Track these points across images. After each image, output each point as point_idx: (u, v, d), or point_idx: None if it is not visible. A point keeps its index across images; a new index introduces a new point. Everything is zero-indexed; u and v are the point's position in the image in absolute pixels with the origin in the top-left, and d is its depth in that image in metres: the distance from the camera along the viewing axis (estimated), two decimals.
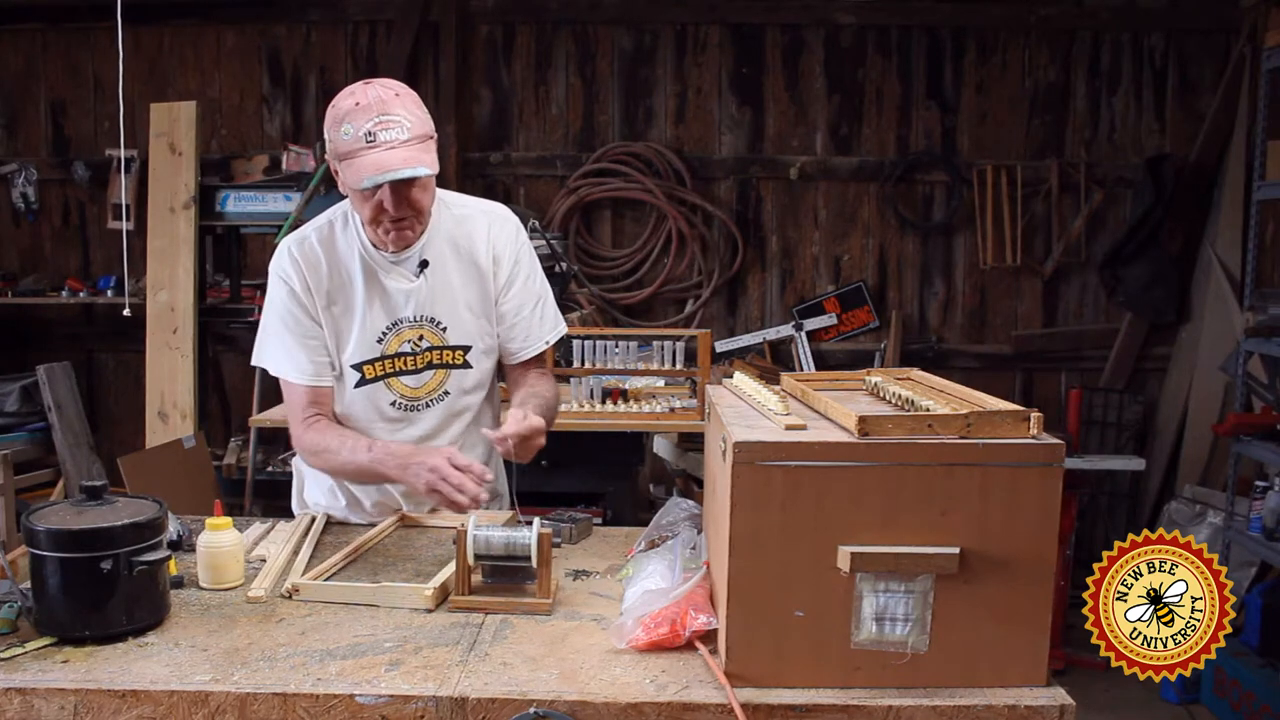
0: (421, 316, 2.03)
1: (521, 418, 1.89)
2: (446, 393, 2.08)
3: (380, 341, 2.03)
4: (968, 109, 5.05)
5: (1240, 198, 4.64)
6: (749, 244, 5.14)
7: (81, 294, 4.95)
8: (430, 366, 2.06)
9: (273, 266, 2.04)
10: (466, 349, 2.07)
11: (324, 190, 4.32)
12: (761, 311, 5.21)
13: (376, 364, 2.03)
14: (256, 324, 2.15)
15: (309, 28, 5.15)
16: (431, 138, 1.89)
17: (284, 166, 4.57)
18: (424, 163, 1.84)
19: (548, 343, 2.18)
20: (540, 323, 2.15)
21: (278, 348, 2.03)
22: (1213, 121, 4.84)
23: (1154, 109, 5.02)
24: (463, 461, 1.84)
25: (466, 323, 2.06)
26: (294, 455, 2.23)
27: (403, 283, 2.01)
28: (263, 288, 4.86)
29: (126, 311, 3.55)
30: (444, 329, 2.05)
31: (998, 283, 5.12)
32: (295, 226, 4.20)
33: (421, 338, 2.04)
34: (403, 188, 1.86)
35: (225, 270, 4.81)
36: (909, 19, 5.01)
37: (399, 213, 1.88)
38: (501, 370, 2.21)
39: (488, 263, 2.07)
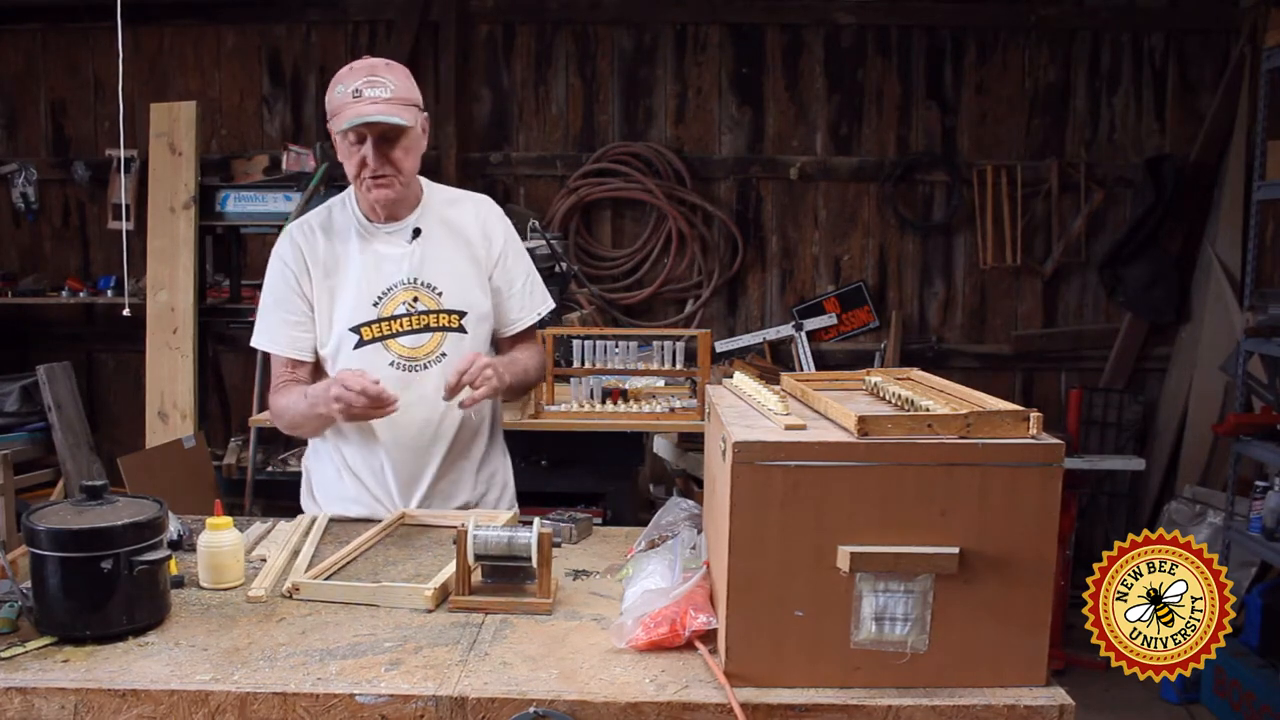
0: (415, 279, 2.13)
1: (469, 357, 2.02)
2: (444, 354, 2.15)
3: (376, 305, 2.12)
4: (968, 109, 5.05)
5: (1240, 198, 4.64)
6: (749, 244, 5.14)
7: (81, 294, 4.95)
8: (427, 329, 2.14)
9: (274, 250, 2.18)
10: (462, 314, 2.16)
11: (324, 190, 4.32)
12: (761, 311, 5.21)
13: (373, 326, 2.12)
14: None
15: (309, 28, 5.15)
16: (415, 105, 2.06)
17: (284, 166, 4.57)
18: (400, 115, 1.99)
19: (539, 314, 2.29)
20: (530, 296, 2.27)
21: (266, 323, 2.16)
22: (1213, 121, 4.84)
23: (1154, 109, 5.02)
24: (362, 377, 1.92)
25: (460, 290, 2.16)
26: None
27: (396, 249, 2.13)
28: (262, 287, 4.85)
29: (126, 311, 3.55)
30: (439, 293, 2.14)
31: (998, 283, 5.12)
32: None
33: (416, 299, 2.13)
34: (383, 144, 2.01)
35: (225, 270, 4.80)
36: (909, 19, 5.01)
37: (378, 167, 2.02)
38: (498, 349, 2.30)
39: (479, 238, 2.20)
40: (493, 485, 2.29)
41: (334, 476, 2.22)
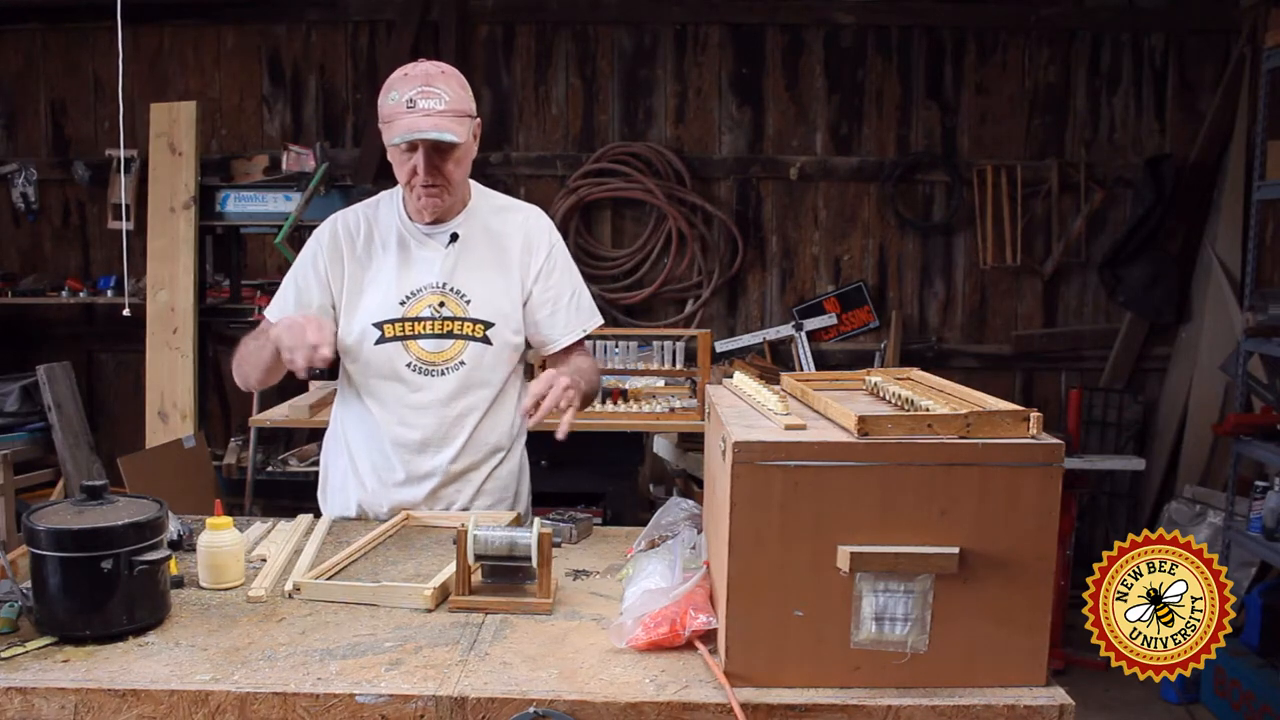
0: (444, 284, 2.12)
1: (546, 379, 1.94)
2: (463, 363, 2.13)
3: (403, 304, 2.11)
4: (968, 109, 5.05)
5: (1240, 198, 4.64)
6: (749, 244, 5.14)
7: (81, 294, 4.95)
8: (450, 335, 2.12)
9: (315, 231, 2.20)
10: (488, 324, 2.13)
11: (324, 190, 4.32)
12: (761, 311, 5.21)
13: (396, 324, 2.11)
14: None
15: (309, 28, 5.15)
16: (469, 116, 2.05)
17: (284, 166, 4.57)
18: (453, 131, 1.98)
19: (585, 330, 2.23)
20: (577, 312, 2.23)
21: (282, 294, 2.17)
22: (1213, 121, 4.84)
23: (1154, 109, 5.02)
24: (314, 331, 1.90)
25: (491, 300, 2.13)
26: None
27: (431, 251, 2.13)
28: (262, 288, 4.87)
29: (126, 311, 3.55)
30: (467, 301, 2.13)
31: (998, 283, 5.12)
32: (295, 227, 4.24)
33: (443, 304, 2.12)
34: (434, 155, 2.01)
35: (225, 270, 4.80)
36: (909, 19, 5.01)
37: (428, 178, 2.03)
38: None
39: (520, 251, 2.18)
40: (502, 500, 2.25)
41: (347, 470, 2.23)
